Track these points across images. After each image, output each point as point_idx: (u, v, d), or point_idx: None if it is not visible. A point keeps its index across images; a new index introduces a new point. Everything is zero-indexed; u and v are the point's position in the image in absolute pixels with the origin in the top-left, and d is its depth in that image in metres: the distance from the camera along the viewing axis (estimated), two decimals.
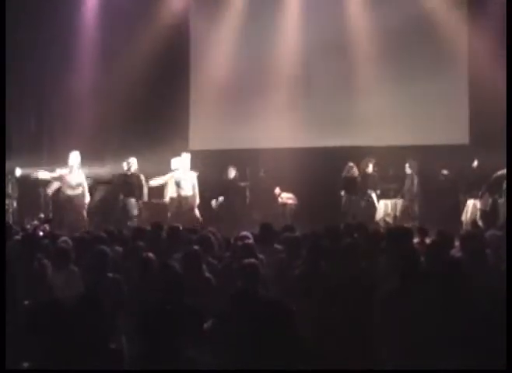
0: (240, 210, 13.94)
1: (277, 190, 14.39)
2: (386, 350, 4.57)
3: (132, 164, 12.84)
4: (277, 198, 14.39)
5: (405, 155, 13.49)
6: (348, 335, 4.82)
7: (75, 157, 12.61)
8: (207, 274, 6.10)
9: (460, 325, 4.44)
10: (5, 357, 3.98)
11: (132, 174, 12.81)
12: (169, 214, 12.90)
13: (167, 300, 4.72)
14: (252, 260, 5.31)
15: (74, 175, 12.57)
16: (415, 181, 13.31)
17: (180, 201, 12.81)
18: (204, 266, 6.18)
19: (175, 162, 13.00)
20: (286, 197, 14.39)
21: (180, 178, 12.83)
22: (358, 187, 13.48)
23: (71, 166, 12.55)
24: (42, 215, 13.06)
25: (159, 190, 13.50)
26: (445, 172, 13.35)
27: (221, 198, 13.79)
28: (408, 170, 13.37)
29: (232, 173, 13.99)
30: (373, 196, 13.58)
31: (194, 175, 12.94)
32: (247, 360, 3.66)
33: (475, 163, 12.80)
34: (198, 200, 12.89)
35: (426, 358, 4.40)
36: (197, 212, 12.83)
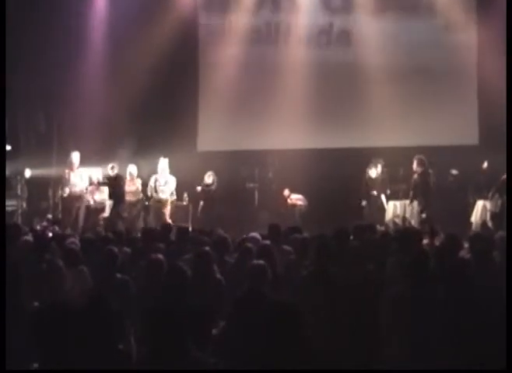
0: (246, 212, 13.94)
1: (286, 192, 14.37)
2: (393, 351, 4.56)
3: (116, 167, 13.09)
4: (286, 199, 14.37)
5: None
6: (356, 335, 4.81)
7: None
8: (218, 276, 6.07)
9: (467, 327, 4.43)
10: (5, 357, 3.98)
11: (115, 177, 13.04)
12: (149, 217, 13.20)
13: (175, 301, 4.71)
14: (260, 262, 5.30)
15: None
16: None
17: (159, 204, 12.99)
18: (215, 268, 6.16)
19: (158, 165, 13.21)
20: (296, 198, 14.36)
21: (159, 181, 13.00)
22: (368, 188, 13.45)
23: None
24: (50, 216, 13.10)
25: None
26: (454, 172, 13.29)
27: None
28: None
29: (210, 178, 13.83)
30: (383, 197, 13.53)
31: (173, 179, 13.09)
32: (253, 361, 3.65)
33: (485, 164, 12.73)
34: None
35: (432, 359, 4.39)
36: (167, 214, 12.91)
